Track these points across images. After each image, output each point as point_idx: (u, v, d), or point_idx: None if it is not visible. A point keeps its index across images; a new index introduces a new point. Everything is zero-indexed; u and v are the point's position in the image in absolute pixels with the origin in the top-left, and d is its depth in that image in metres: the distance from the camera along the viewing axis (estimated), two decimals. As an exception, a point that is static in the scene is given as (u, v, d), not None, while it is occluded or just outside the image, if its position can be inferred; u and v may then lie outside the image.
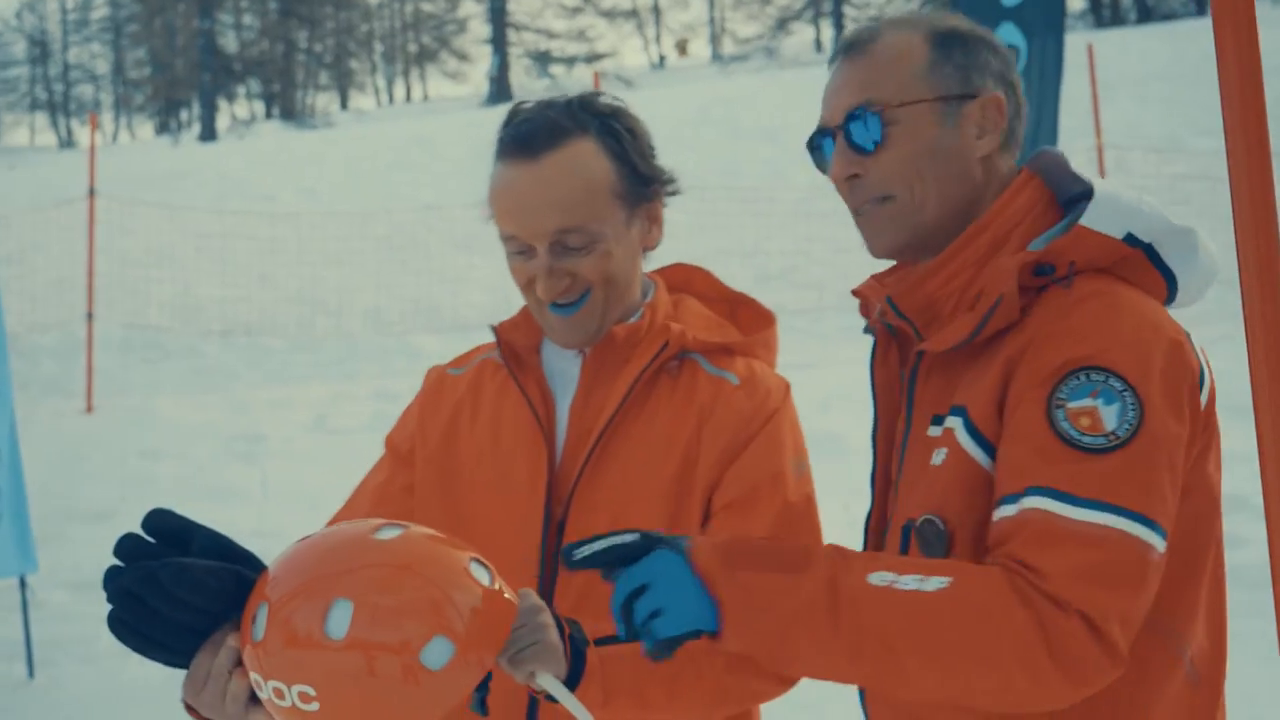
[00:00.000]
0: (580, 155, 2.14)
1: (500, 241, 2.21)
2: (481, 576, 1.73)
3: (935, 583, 1.71)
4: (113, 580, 1.72)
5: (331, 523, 2.17)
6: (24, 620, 6.33)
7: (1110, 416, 1.73)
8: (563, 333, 2.19)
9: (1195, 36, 25.56)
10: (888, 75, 1.95)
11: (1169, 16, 42.01)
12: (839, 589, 1.72)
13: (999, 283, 1.85)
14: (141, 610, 1.71)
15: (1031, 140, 5.68)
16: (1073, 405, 1.74)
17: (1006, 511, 1.75)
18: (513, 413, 2.24)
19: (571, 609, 2.09)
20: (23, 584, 6.37)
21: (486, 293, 14.41)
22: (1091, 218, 1.85)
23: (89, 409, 12.06)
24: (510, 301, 2.35)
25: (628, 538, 1.78)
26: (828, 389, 10.63)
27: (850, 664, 1.73)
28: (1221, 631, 1.89)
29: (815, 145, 2.01)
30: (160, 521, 1.79)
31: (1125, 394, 1.74)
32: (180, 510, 1.80)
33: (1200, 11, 43.29)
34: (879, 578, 1.73)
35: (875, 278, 2.09)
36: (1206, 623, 1.86)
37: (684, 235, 17.08)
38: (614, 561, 1.77)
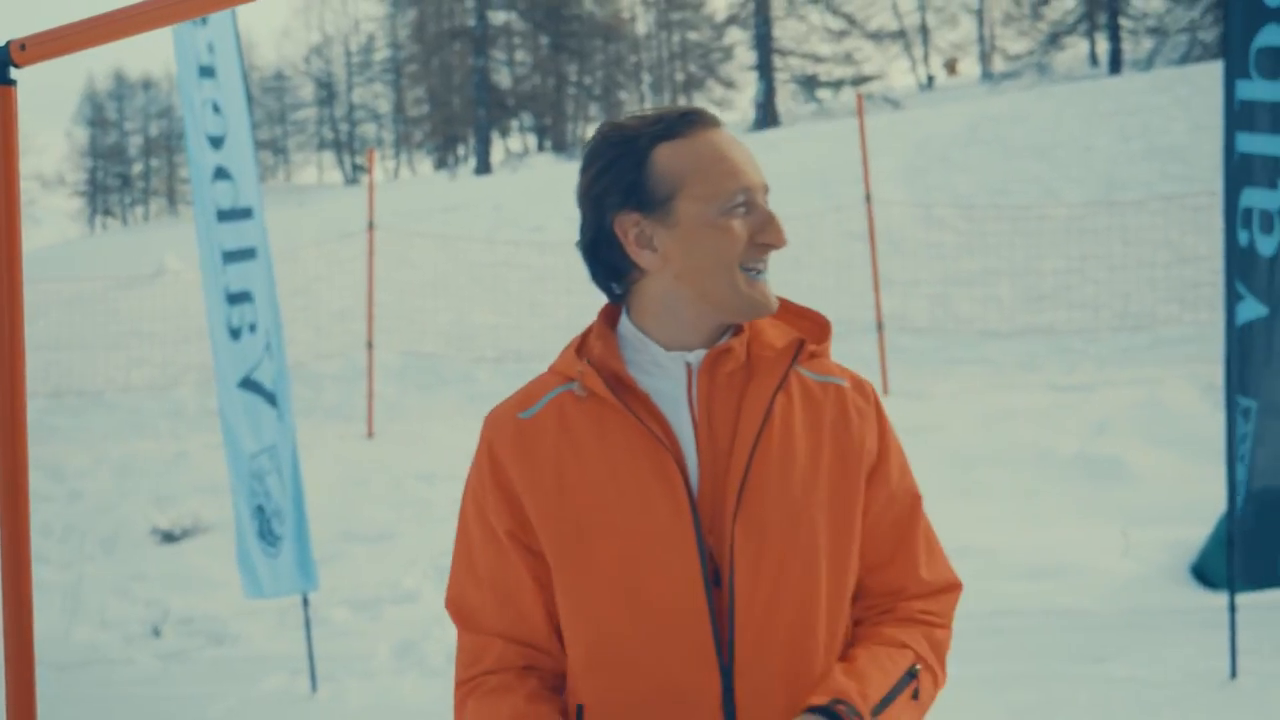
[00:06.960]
0: None
1: (705, 211, 2.07)
2: None
3: None
4: None
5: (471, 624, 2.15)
6: (306, 636, 6.59)
7: None
8: (765, 297, 2.11)
9: None
10: None
11: None
12: None
13: None
14: None
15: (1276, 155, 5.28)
16: None
17: None
18: (626, 443, 2.07)
19: (754, 642, 2.03)
20: (305, 602, 6.63)
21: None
22: None
23: (369, 433, 12.51)
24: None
25: None
26: (1104, 411, 10.27)
27: None
28: None
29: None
30: None
31: None
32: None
33: None
34: None
35: None
36: None
37: (952, 255, 16.74)
38: None
